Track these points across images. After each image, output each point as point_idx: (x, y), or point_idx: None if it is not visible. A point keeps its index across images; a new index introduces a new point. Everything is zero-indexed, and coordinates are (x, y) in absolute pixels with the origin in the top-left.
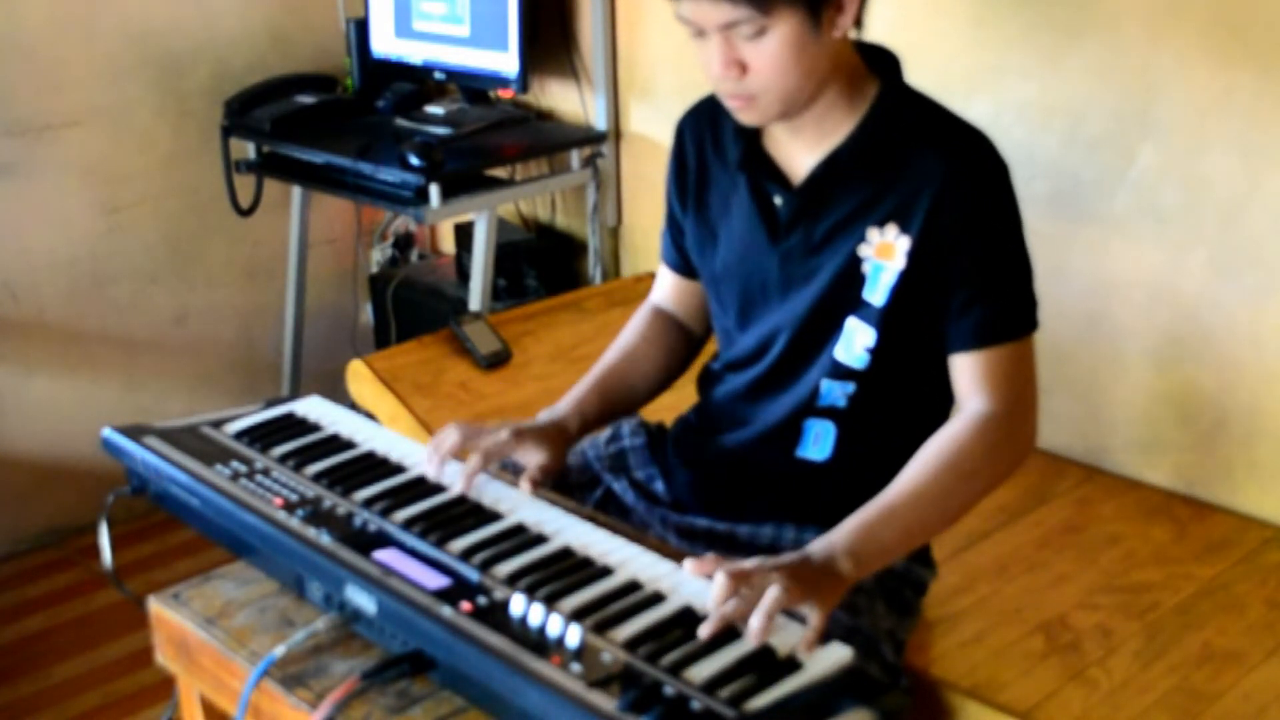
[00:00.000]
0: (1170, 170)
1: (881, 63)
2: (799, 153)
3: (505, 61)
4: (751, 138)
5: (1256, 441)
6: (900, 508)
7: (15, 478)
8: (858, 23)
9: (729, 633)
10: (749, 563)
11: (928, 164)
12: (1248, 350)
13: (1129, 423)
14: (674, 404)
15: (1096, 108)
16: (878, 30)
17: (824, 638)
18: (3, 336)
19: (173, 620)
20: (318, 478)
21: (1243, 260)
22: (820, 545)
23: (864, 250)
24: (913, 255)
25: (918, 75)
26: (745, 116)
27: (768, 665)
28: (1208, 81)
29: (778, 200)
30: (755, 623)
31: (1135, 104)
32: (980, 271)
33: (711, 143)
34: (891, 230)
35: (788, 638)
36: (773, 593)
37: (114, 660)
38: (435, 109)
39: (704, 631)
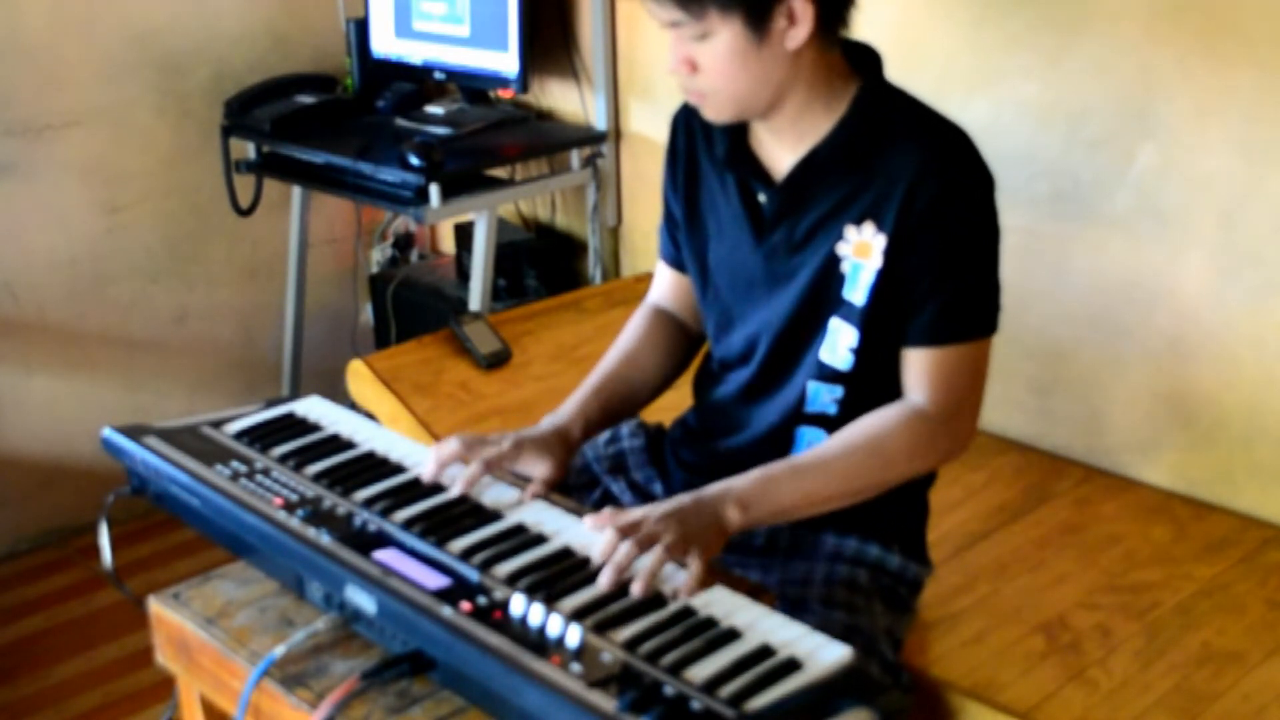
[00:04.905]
0: (1170, 170)
1: (863, 60)
2: (780, 152)
3: (505, 61)
4: (736, 135)
5: (1256, 441)
6: (805, 474)
7: (15, 478)
8: (843, 27)
9: (729, 632)
10: (637, 512)
11: (903, 160)
12: (1248, 350)
13: (1129, 422)
14: (674, 404)
15: (1096, 108)
16: (878, 31)
17: (822, 635)
18: (3, 336)
19: (173, 620)
20: (318, 478)
21: (1243, 260)
22: (716, 489)
23: (842, 249)
24: (888, 253)
25: (918, 75)
26: (705, 113)
27: (768, 665)
28: (1208, 81)
29: (761, 197)
30: (636, 589)
31: (1135, 104)
32: (939, 265)
33: (703, 138)
34: (869, 228)
35: (675, 583)
36: (650, 557)
37: (114, 660)
38: (435, 109)
39: (603, 581)
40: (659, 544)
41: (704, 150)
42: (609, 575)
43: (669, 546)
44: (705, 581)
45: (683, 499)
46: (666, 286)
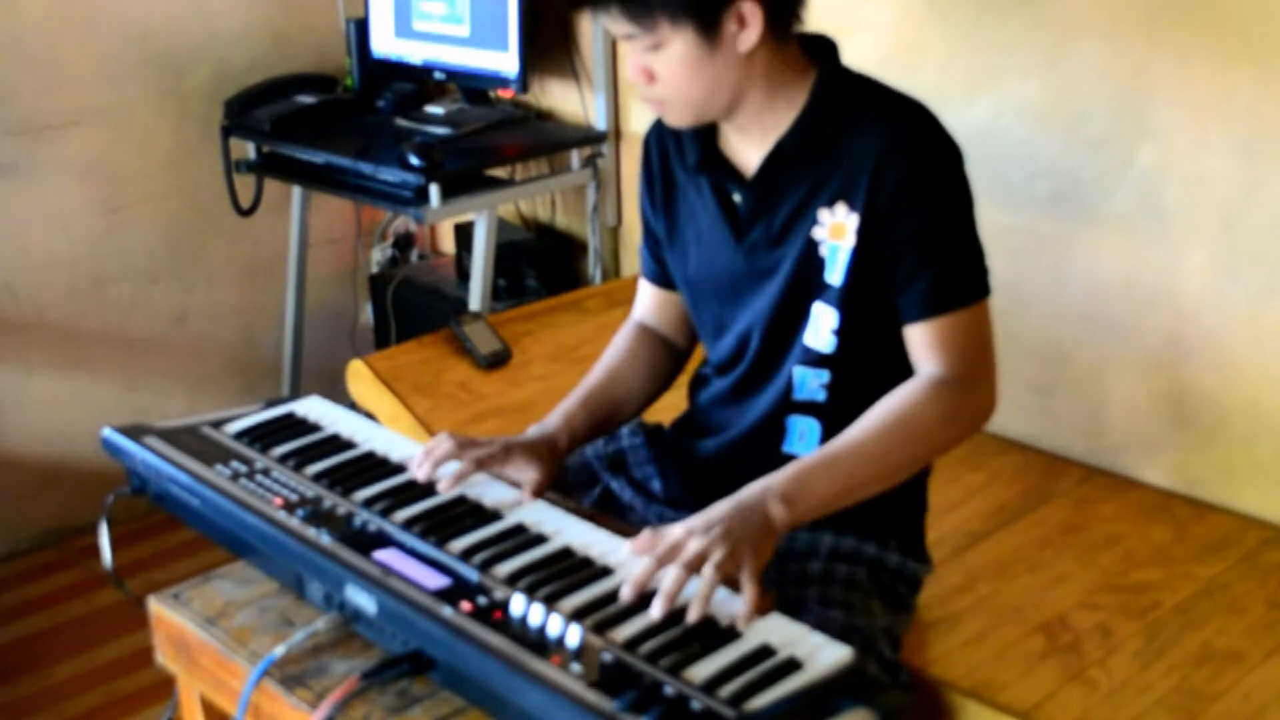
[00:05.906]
0: (1170, 170)
1: (818, 49)
2: (748, 149)
3: (505, 61)
4: (707, 140)
5: (1256, 441)
6: (842, 460)
7: (15, 478)
8: (795, 24)
9: (729, 632)
10: (677, 530)
11: (867, 139)
12: (1248, 350)
13: (1129, 422)
14: (674, 404)
15: (1096, 108)
16: (877, 32)
17: (822, 635)
18: (3, 336)
19: (173, 620)
20: (318, 478)
21: (1243, 260)
22: (755, 490)
23: (818, 233)
24: (861, 231)
25: (917, 76)
26: (667, 119)
27: (768, 665)
28: (1208, 81)
29: (736, 197)
30: (691, 617)
31: (1135, 104)
32: (922, 239)
33: (675, 150)
34: (841, 209)
35: (729, 609)
36: (701, 583)
37: (114, 660)
38: (435, 109)
39: (655, 612)
40: (709, 563)
41: (677, 163)
42: (661, 606)
43: (719, 565)
44: (763, 605)
45: (720, 507)
46: (649, 303)
